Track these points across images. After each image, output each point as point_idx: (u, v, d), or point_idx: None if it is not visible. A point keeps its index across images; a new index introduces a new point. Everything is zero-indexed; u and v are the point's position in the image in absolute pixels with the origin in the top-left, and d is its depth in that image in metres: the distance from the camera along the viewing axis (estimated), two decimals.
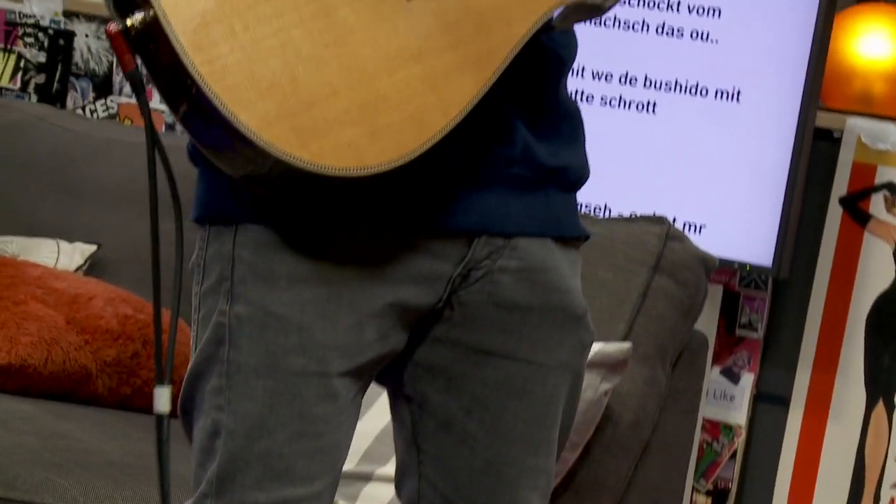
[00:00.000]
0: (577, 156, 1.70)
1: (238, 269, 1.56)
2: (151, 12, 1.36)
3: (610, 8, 1.57)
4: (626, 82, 3.19)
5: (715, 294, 3.27)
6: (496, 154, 1.60)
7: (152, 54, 1.40)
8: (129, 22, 1.38)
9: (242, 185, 1.50)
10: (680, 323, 2.55)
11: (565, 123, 1.69)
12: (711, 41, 3.15)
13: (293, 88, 1.39)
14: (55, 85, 3.74)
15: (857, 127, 3.21)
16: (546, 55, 1.62)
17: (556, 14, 1.52)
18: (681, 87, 3.18)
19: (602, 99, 3.22)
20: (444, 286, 1.61)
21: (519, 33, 1.47)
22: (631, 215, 2.92)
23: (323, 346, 1.55)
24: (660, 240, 2.52)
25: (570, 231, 1.69)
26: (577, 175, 1.70)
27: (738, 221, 3.14)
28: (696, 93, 3.18)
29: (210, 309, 1.58)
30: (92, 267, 3.14)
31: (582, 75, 3.18)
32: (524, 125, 1.61)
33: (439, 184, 1.57)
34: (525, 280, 1.63)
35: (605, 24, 3.13)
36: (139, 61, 1.41)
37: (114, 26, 1.39)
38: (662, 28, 3.17)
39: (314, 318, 1.55)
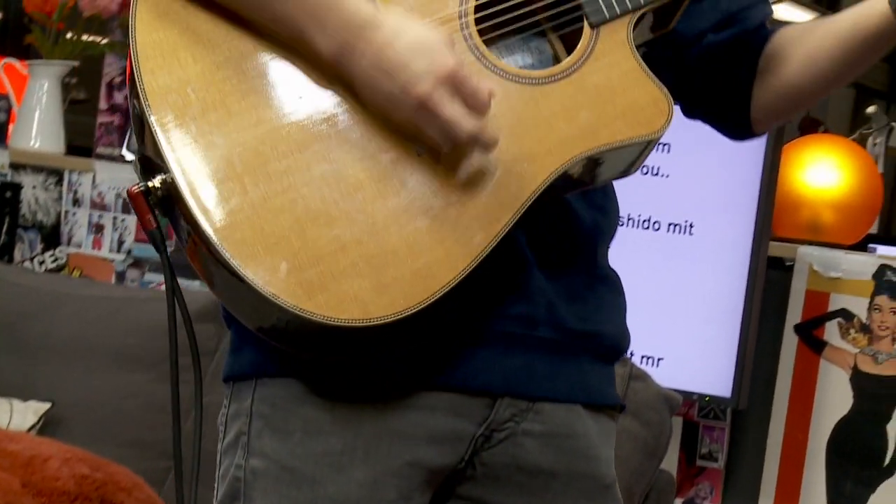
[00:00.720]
0: (613, 322, 1.67)
1: (255, 424, 1.55)
2: (169, 176, 1.41)
3: (630, 169, 1.57)
4: None
5: (675, 425, 3.20)
6: (518, 313, 1.57)
7: (174, 213, 1.44)
8: (150, 184, 1.42)
9: (261, 340, 1.49)
10: (646, 464, 2.52)
11: (599, 289, 1.66)
12: (662, 175, 3.15)
13: (302, 244, 1.40)
14: (2, 237, 3.75)
15: (809, 255, 3.21)
16: (577, 219, 1.61)
17: (573, 169, 1.50)
18: (633, 221, 3.16)
19: None
20: (467, 446, 1.57)
21: (529, 189, 1.47)
22: None
23: (334, 500, 1.52)
24: (623, 380, 2.51)
25: (602, 399, 1.66)
26: (613, 343, 1.67)
27: (695, 353, 3.11)
28: (648, 227, 3.16)
29: (228, 465, 1.57)
30: (46, 425, 3.10)
31: None
32: (551, 287, 1.59)
33: (459, 340, 1.55)
34: (550, 445, 1.60)
35: None
36: (159, 221, 1.46)
37: (135, 188, 1.43)
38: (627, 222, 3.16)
39: (327, 471, 1.52)
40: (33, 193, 3.74)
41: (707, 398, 3.13)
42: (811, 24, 1.71)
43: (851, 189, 3.33)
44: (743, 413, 3.22)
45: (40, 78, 3.67)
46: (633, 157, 1.54)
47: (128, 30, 1.47)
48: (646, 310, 3.06)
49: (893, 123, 6.27)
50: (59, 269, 3.66)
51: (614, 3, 1.53)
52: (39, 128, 3.72)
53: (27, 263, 3.71)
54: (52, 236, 3.72)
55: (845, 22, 1.65)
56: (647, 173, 3.15)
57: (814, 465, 3.18)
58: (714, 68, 1.72)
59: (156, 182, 1.42)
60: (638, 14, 1.54)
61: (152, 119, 1.42)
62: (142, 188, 1.43)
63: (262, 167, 1.43)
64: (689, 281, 3.13)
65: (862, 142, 5.81)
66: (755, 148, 3.05)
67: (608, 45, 1.52)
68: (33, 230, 3.74)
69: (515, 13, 1.52)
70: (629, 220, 3.16)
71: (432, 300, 1.42)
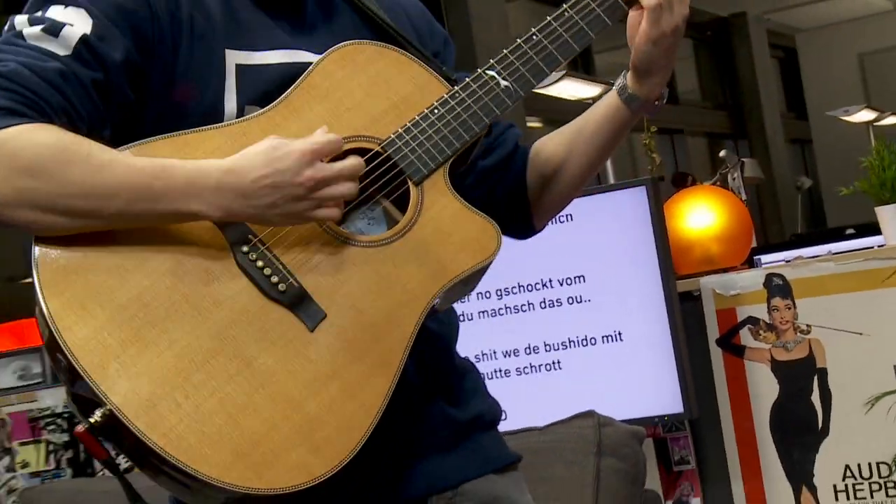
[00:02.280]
0: (484, 401, 1.64)
1: None
2: (108, 408, 1.32)
3: (473, 287, 1.53)
4: (531, 351, 3.10)
5: (647, 445, 3.14)
6: (423, 428, 1.55)
7: (119, 439, 1.34)
8: (91, 420, 1.32)
9: None
10: (633, 490, 2.46)
11: (464, 380, 1.63)
12: (585, 301, 3.09)
13: (239, 433, 1.34)
14: (81, 456, 3.64)
15: (710, 283, 3.16)
16: (436, 337, 1.58)
17: (436, 303, 1.47)
18: (573, 342, 3.10)
19: (517, 370, 3.11)
20: None
21: (408, 331, 1.43)
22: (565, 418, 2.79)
23: None
24: (595, 429, 2.44)
25: (503, 460, 1.63)
26: (492, 415, 1.65)
27: (647, 386, 3.04)
28: (587, 343, 3.10)
29: None
30: None
31: (494, 356, 3.11)
32: (437, 395, 1.57)
33: (385, 466, 1.51)
34: None
35: (500, 313, 3.09)
36: (111, 450, 1.37)
37: (80, 427, 1.33)
38: (545, 303, 3.11)
39: None
40: None
41: (666, 417, 3.07)
42: (557, 132, 1.70)
43: (726, 223, 3.32)
44: (698, 420, 3.16)
45: None
46: (480, 276, 1.51)
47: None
48: (600, 363, 3.07)
49: (742, 159, 6.27)
50: (131, 468, 3.51)
51: (428, 160, 1.50)
52: None
53: (105, 472, 3.53)
54: None
55: (584, 119, 1.66)
56: (572, 303, 3.10)
57: (765, 444, 3.10)
58: (491, 186, 1.68)
59: (97, 416, 1.32)
60: (449, 163, 1.52)
61: (81, 366, 1.33)
62: (86, 426, 1.33)
63: (187, 381, 1.35)
64: (624, 333, 3.07)
65: (724, 180, 5.78)
66: (641, 213, 3.02)
67: (434, 195, 1.49)
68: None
69: None
70: (570, 342, 3.10)
71: (360, 445, 1.37)
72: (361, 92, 1.52)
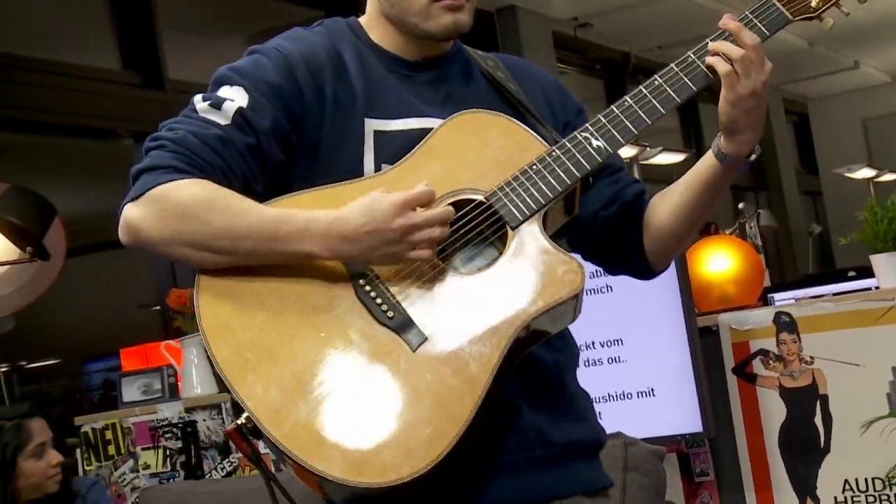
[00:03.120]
0: (589, 428, 1.59)
1: None
2: (249, 414, 1.37)
3: (566, 319, 1.50)
4: None
5: (671, 460, 3.16)
6: (517, 443, 1.50)
7: (261, 437, 1.38)
8: (238, 422, 1.38)
9: None
10: (655, 501, 2.42)
11: (573, 407, 1.58)
12: (623, 361, 3.07)
13: (345, 434, 1.36)
14: (192, 460, 3.64)
15: (727, 319, 3.14)
16: (545, 364, 1.54)
17: (524, 331, 1.44)
18: (612, 396, 3.07)
19: None
20: None
21: (496, 354, 1.41)
22: None
23: None
24: (622, 448, 2.40)
25: (596, 484, 1.58)
26: (593, 444, 1.60)
27: (670, 409, 3.03)
28: (624, 397, 3.08)
29: None
30: None
31: None
32: (536, 417, 1.52)
33: (477, 475, 1.47)
34: None
35: None
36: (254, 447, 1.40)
37: (230, 427, 1.38)
38: (588, 362, 3.08)
39: None
40: (205, 424, 3.63)
41: (688, 436, 3.05)
42: (669, 188, 1.66)
43: (741, 268, 3.30)
44: (716, 438, 3.13)
45: (190, 347, 3.61)
46: (570, 308, 1.48)
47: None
48: (635, 413, 3.04)
49: (759, 210, 6.23)
50: (234, 470, 3.56)
51: (524, 209, 1.49)
52: (198, 380, 3.61)
53: (213, 473, 3.62)
54: (224, 449, 3.58)
55: (688, 177, 1.61)
56: (611, 363, 3.07)
57: (774, 460, 3.09)
58: (611, 235, 1.67)
59: (242, 419, 1.38)
60: (543, 211, 1.50)
61: (227, 377, 1.40)
62: (234, 426, 1.38)
63: (307, 390, 1.39)
64: (657, 389, 3.06)
65: (742, 228, 5.73)
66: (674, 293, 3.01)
67: (528, 238, 1.49)
68: (211, 449, 3.61)
69: (458, 234, 1.49)
70: (610, 396, 3.06)
71: (446, 451, 1.36)
72: (472, 152, 1.53)
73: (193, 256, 1.43)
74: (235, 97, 1.50)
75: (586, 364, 3.07)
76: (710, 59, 1.50)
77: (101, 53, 5.05)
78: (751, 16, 1.53)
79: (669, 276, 2.99)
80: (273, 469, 1.54)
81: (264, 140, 1.49)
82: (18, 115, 4.59)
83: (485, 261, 1.49)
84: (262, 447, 1.43)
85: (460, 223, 1.48)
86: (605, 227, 1.66)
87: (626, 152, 5.02)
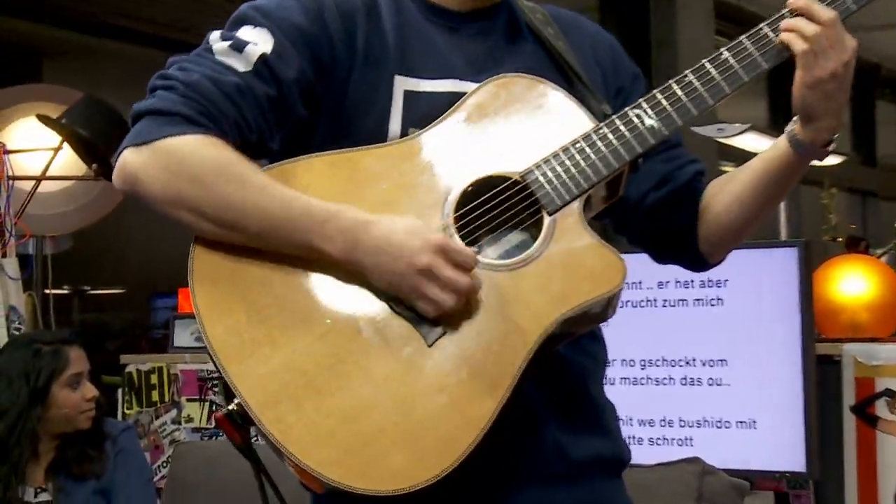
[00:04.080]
0: (613, 443, 1.58)
1: None
2: (240, 401, 1.37)
3: (601, 319, 1.49)
4: (665, 424, 3.03)
5: (768, 498, 3.06)
6: (531, 455, 1.49)
7: (253, 426, 1.38)
8: (230, 407, 1.38)
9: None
10: None
11: (596, 420, 1.57)
12: (725, 385, 3.00)
13: (350, 434, 1.37)
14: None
15: (853, 350, 3.04)
16: (569, 365, 1.54)
17: (555, 330, 1.43)
18: (707, 422, 3.00)
19: (649, 440, 3.04)
20: None
21: (521, 354, 1.40)
22: (672, 461, 2.74)
23: None
24: (698, 477, 2.37)
25: None
26: (616, 458, 1.58)
27: (773, 442, 2.94)
28: (721, 426, 3.00)
29: None
30: None
31: (630, 423, 3.07)
32: (555, 425, 1.51)
33: (487, 486, 1.46)
34: None
35: (640, 382, 3.05)
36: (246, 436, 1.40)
37: (220, 413, 1.39)
38: (685, 380, 3.03)
39: None
40: None
41: (787, 474, 2.95)
42: (732, 171, 1.64)
43: (878, 293, 3.23)
44: (821, 481, 3.03)
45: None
46: (602, 308, 1.46)
47: None
48: (732, 444, 2.98)
49: None
50: None
51: (563, 192, 1.47)
52: None
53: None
54: None
55: (756, 162, 1.58)
56: (712, 384, 3.02)
57: None
58: (660, 220, 1.65)
59: (233, 405, 1.37)
60: (584, 197, 1.49)
61: (218, 358, 1.38)
62: (224, 412, 1.38)
63: (310, 382, 1.38)
64: (759, 421, 2.97)
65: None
66: (790, 273, 2.91)
67: (565, 226, 1.47)
68: None
69: (488, 216, 1.47)
70: (705, 421, 3.01)
71: (461, 458, 1.35)
72: (509, 122, 1.51)
73: (194, 223, 1.42)
74: (259, 41, 1.48)
75: (683, 382, 3.04)
76: (783, 36, 1.48)
77: None
78: None
79: (790, 294, 2.92)
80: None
81: (287, 92, 1.48)
82: (103, 18, 4.64)
83: (515, 248, 1.48)
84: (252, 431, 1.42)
85: (490, 204, 1.47)
86: (654, 210, 1.64)
87: (704, 130, 4.76)
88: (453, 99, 1.51)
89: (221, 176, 1.41)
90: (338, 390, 1.37)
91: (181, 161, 1.41)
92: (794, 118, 1.52)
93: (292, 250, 1.41)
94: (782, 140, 1.53)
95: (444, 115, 1.50)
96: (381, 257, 1.38)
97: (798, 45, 1.46)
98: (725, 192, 1.60)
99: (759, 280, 2.95)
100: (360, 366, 1.39)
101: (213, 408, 3.70)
